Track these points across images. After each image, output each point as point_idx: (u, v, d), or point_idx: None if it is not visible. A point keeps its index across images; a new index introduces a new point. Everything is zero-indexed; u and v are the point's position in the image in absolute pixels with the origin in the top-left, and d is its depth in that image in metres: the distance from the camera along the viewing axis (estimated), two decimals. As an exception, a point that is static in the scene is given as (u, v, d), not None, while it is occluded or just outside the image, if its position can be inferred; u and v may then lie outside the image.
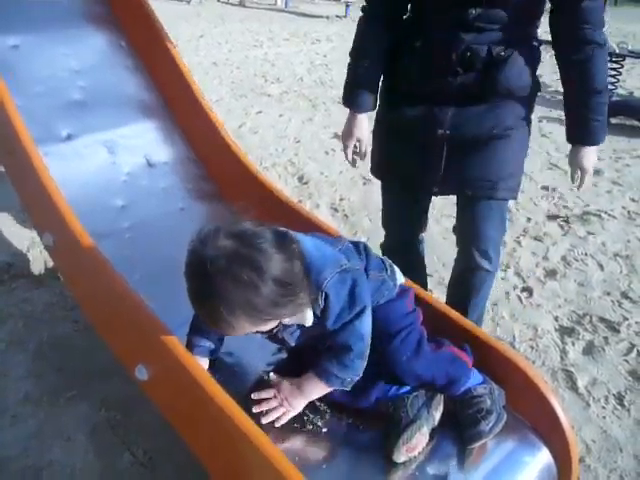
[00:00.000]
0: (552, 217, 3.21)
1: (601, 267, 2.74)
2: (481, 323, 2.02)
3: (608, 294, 2.53)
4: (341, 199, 3.37)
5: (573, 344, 2.19)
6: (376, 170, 1.86)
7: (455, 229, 1.88)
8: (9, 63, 1.70)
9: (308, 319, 1.16)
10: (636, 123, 4.84)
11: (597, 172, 3.89)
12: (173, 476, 1.61)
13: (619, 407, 1.90)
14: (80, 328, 2.22)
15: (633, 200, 3.53)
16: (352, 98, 1.69)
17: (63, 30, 1.94)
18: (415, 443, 1.18)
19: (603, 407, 1.90)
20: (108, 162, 1.79)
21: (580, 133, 1.65)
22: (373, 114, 1.77)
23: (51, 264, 2.66)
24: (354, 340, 1.17)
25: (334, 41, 9.17)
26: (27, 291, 2.43)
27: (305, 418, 1.24)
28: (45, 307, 2.33)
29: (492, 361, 1.32)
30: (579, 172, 1.71)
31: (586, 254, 2.85)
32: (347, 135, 1.73)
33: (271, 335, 1.21)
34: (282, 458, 1.02)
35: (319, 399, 1.24)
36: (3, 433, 1.74)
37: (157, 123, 1.96)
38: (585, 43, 1.53)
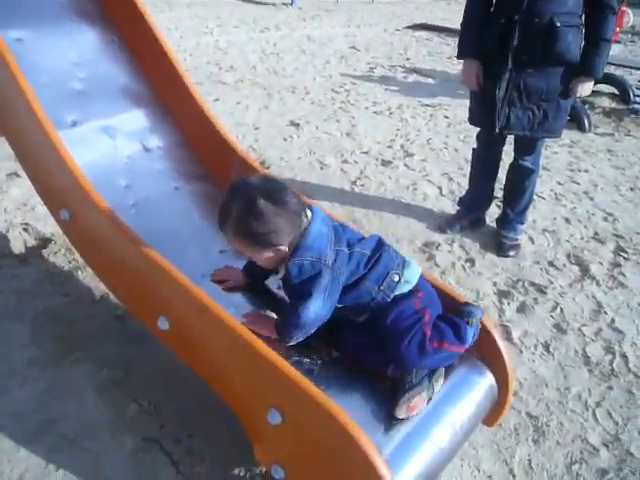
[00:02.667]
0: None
1: (532, 241, 3.12)
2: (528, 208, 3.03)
3: (537, 263, 2.90)
4: (302, 182, 3.63)
5: (509, 304, 2.55)
6: (470, 117, 2.90)
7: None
8: (17, 54, 1.78)
9: (280, 271, 1.47)
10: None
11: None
12: (177, 420, 1.80)
13: (545, 353, 2.28)
14: (71, 300, 2.35)
15: (559, 183, 3.93)
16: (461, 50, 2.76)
17: (60, 25, 2.08)
18: (415, 403, 1.38)
19: (533, 353, 2.27)
20: (110, 146, 1.97)
21: (588, 67, 2.51)
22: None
23: (31, 244, 2.78)
24: (291, 314, 1.39)
25: (282, 29, 9.32)
26: (14, 269, 2.52)
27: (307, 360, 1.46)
28: (34, 283, 2.43)
29: (453, 308, 1.57)
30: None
31: (519, 230, 3.21)
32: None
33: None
34: (305, 381, 1.26)
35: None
36: (15, 392, 1.87)
37: (149, 111, 2.14)
38: (604, 6, 2.44)
